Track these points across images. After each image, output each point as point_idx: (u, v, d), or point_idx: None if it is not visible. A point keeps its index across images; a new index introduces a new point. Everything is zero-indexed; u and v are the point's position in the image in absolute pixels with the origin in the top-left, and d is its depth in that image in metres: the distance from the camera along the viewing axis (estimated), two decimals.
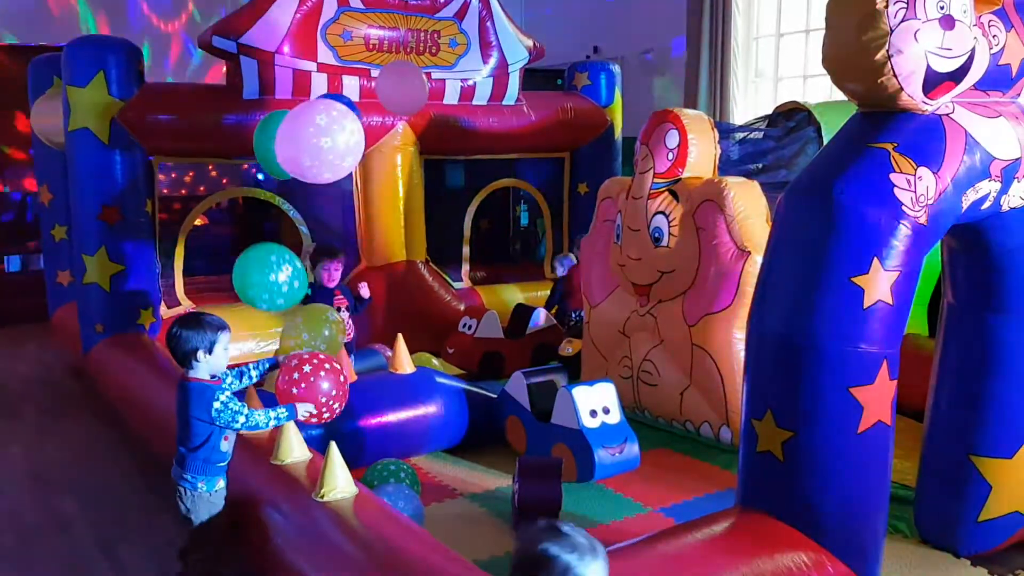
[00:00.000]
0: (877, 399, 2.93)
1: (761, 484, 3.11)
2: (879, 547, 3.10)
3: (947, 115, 2.99)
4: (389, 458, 4.19)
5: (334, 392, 3.45)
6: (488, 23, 6.94)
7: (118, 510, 4.31)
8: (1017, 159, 3.08)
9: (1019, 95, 3.21)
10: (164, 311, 6.40)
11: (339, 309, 5.17)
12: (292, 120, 4.62)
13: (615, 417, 4.45)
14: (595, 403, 4.43)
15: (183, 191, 10.02)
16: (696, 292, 4.91)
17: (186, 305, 6.55)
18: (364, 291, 5.47)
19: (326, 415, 3.46)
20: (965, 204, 3.02)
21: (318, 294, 5.19)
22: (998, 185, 3.07)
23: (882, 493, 3.05)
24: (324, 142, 4.52)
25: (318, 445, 3.78)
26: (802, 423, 2.93)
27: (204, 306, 6.29)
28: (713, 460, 4.66)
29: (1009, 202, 3.15)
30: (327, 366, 3.45)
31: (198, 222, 7.43)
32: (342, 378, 3.51)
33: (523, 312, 6.71)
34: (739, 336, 4.61)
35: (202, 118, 6.18)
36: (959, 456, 3.55)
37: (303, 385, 3.38)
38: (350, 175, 6.87)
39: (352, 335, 5.37)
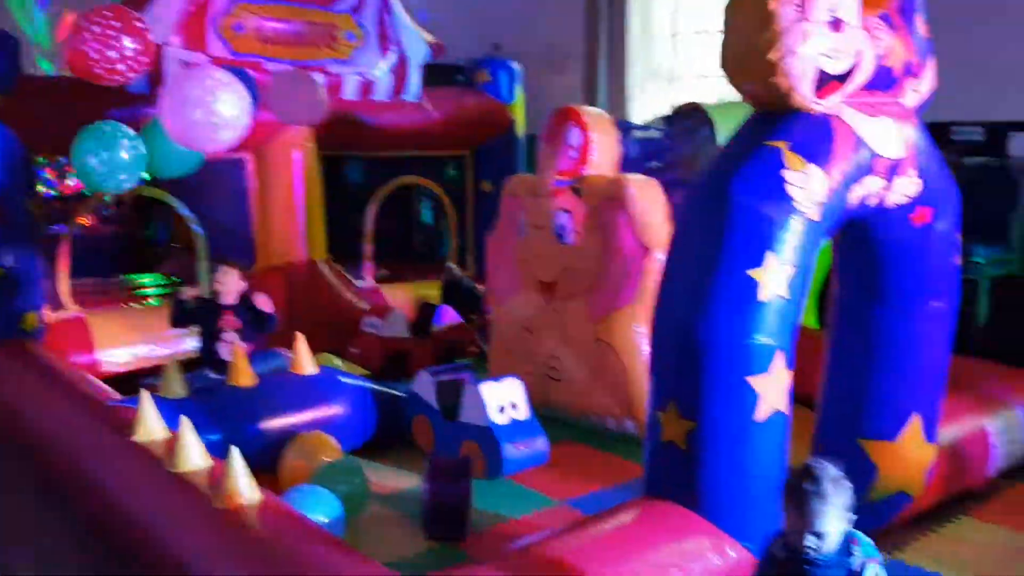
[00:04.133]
0: (774, 388, 3.04)
1: (665, 474, 3.19)
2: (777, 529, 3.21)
3: (836, 115, 3.12)
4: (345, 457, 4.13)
5: None
6: (386, 16, 6.88)
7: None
8: (900, 157, 3.24)
9: (901, 95, 3.38)
10: (49, 316, 6.10)
11: (222, 330, 4.89)
12: (180, 81, 4.52)
13: (523, 413, 4.48)
14: (503, 399, 4.45)
15: (66, 190, 9.56)
16: (600, 289, 4.99)
17: (72, 310, 6.26)
18: (264, 304, 5.05)
19: None
20: (853, 200, 3.16)
21: (201, 310, 4.95)
22: (883, 182, 3.22)
23: (779, 478, 3.15)
24: (213, 99, 4.40)
25: (218, 451, 3.67)
26: (703, 413, 3.02)
27: (90, 310, 6.05)
28: (619, 452, 4.74)
29: (893, 198, 3.32)
30: None
31: (84, 222, 7.11)
32: None
33: (429, 310, 6.68)
34: (642, 331, 4.70)
35: (85, 113, 5.91)
36: (848, 440, 3.72)
37: None
38: (245, 172, 6.71)
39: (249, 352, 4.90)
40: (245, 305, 5.05)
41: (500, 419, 4.37)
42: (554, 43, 9.88)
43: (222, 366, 4.80)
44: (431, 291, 7.24)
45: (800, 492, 2.31)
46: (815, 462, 2.38)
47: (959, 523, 4.03)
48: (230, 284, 4.98)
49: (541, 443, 4.43)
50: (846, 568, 2.32)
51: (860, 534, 2.40)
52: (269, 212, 6.83)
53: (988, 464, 4.19)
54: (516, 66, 7.99)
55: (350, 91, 6.87)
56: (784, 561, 2.39)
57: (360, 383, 4.90)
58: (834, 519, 2.31)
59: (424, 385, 4.76)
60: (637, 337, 4.76)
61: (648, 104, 8.77)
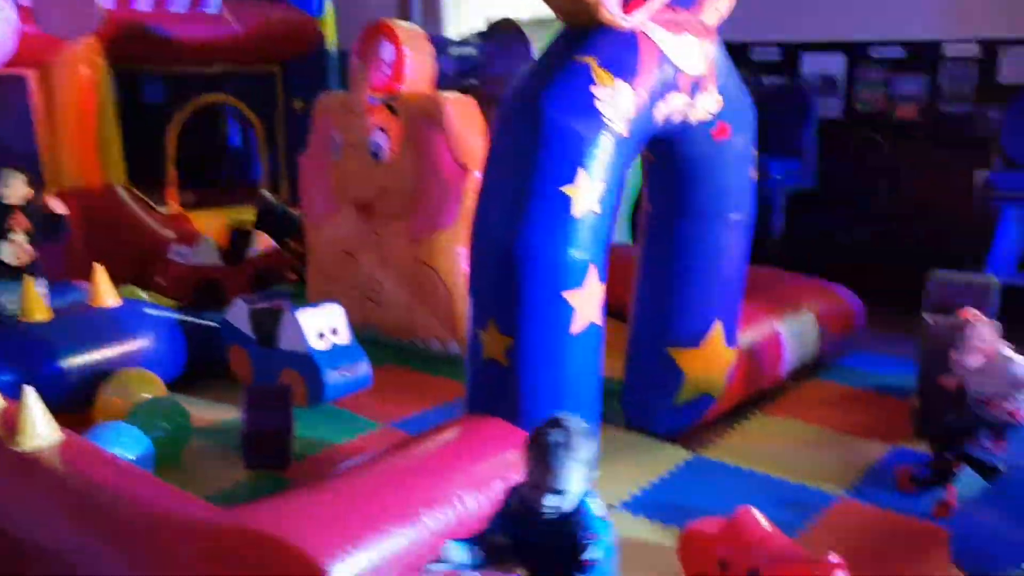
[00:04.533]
0: (588, 302, 3.13)
1: (487, 390, 3.24)
2: (594, 435, 3.35)
3: (641, 31, 3.18)
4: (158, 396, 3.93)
5: None
6: None
7: None
8: (702, 74, 3.36)
9: (702, 12, 3.47)
10: None
11: (12, 230, 4.52)
12: None
13: (344, 338, 4.42)
14: (322, 325, 4.36)
15: None
16: (419, 210, 4.95)
17: None
18: (56, 206, 4.71)
19: None
20: (659, 117, 3.26)
21: None
22: (687, 98, 3.33)
23: (595, 387, 3.30)
24: None
25: (13, 393, 3.41)
26: (521, 328, 3.08)
27: None
28: (444, 373, 4.78)
29: (696, 115, 3.44)
30: None
31: None
32: None
33: (241, 237, 6.42)
34: (463, 252, 4.72)
35: None
36: (657, 349, 3.92)
37: None
38: (26, 90, 6.11)
39: (35, 259, 4.62)
40: (34, 206, 4.66)
41: (320, 345, 4.29)
42: None
43: (6, 270, 4.49)
44: (243, 216, 6.95)
45: (546, 444, 2.16)
46: (563, 415, 2.24)
47: (755, 419, 4.36)
48: (16, 188, 4.56)
49: (363, 367, 4.39)
50: (576, 529, 2.18)
51: (593, 499, 2.25)
52: (57, 133, 6.26)
53: (781, 365, 4.54)
54: None
55: (143, 1, 6.36)
56: (519, 517, 2.26)
57: (167, 314, 4.67)
58: (577, 476, 2.17)
59: (238, 314, 4.59)
60: (459, 258, 4.78)
61: (463, 20, 8.63)
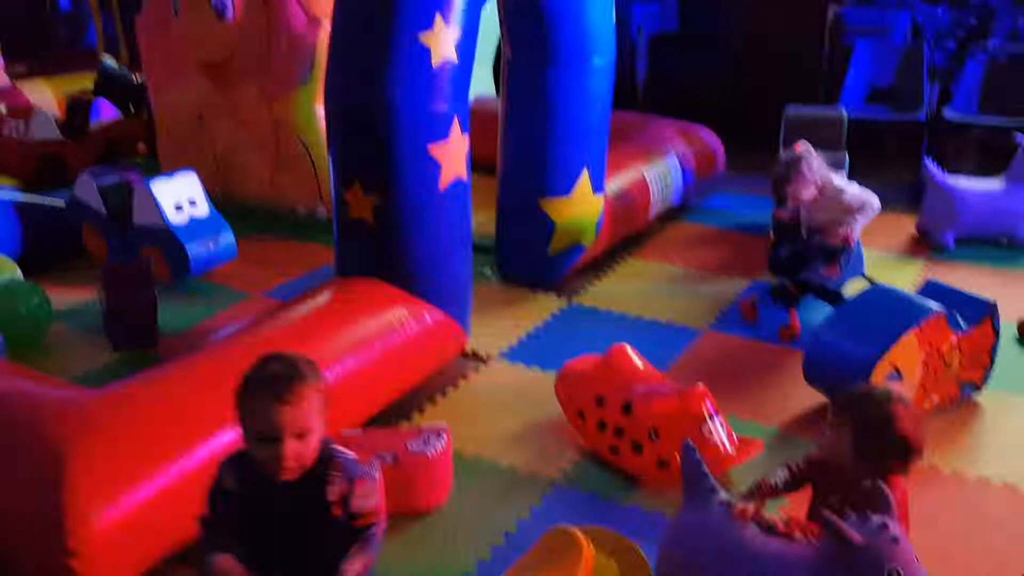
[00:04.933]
0: (453, 155, 3.09)
1: (356, 251, 3.20)
2: (468, 291, 3.39)
3: None
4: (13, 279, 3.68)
5: None
6: None
7: None
8: None
9: None
10: None
11: None
12: None
13: (203, 209, 4.24)
14: (179, 196, 4.17)
15: None
16: (271, 68, 4.70)
17: None
18: None
19: None
20: None
21: None
22: None
23: (465, 243, 3.30)
24: None
25: None
26: (388, 187, 3.02)
27: None
28: (313, 239, 4.67)
29: None
30: None
31: None
32: None
33: (80, 107, 5.98)
34: (323, 110, 4.53)
35: None
36: (528, 201, 3.94)
37: None
38: None
39: None
40: None
41: (178, 218, 4.11)
42: None
43: None
44: (81, 85, 6.47)
45: (272, 384, 1.65)
46: (298, 356, 1.75)
47: (625, 264, 4.49)
48: None
49: (227, 238, 4.24)
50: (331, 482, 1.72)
51: (342, 450, 1.79)
52: None
53: (648, 209, 4.65)
54: None
55: None
56: (242, 494, 1.73)
57: (3, 195, 4.35)
58: (318, 422, 1.69)
59: (86, 190, 4.33)
60: (318, 117, 4.60)
61: None
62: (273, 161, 4.86)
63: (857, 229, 3.62)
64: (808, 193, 3.61)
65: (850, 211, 3.60)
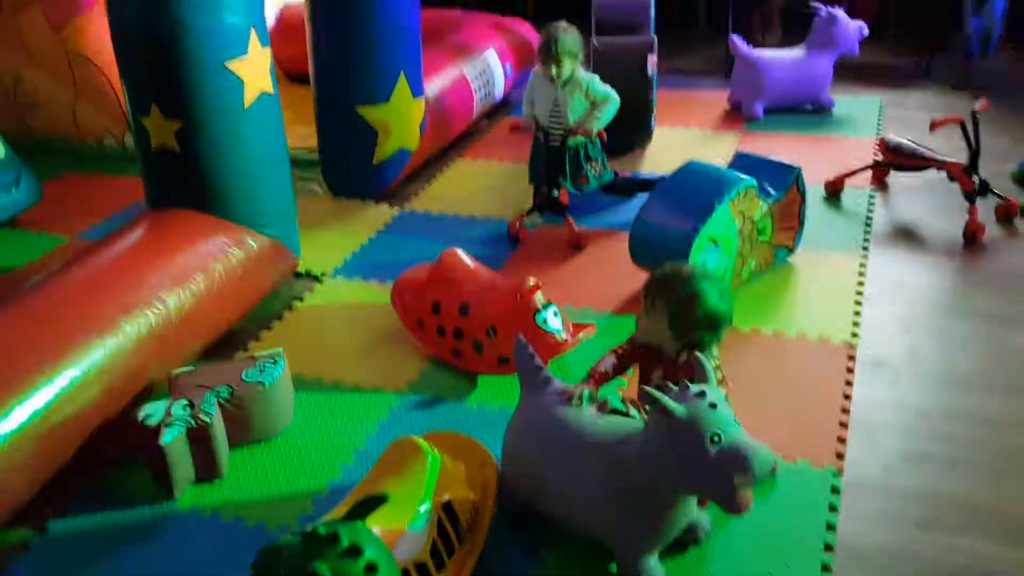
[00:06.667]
0: (255, 70, 2.94)
1: (165, 180, 3.04)
2: (292, 209, 3.30)
3: None
4: None
5: None
6: None
7: None
8: None
9: None
10: None
11: None
12: None
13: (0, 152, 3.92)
14: None
15: None
16: None
17: None
18: None
19: None
20: None
21: None
22: None
23: (280, 159, 3.18)
24: None
25: None
26: (189, 109, 2.86)
27: None
28: (127, 172, 4.40)
29: None
30: None
31: None
32: None
33: None
34: None
35: None
36: (346, 110, 3.84)
37: None
38: None
39: None
40: None
41: None
42: None
43: None
44: None
45: None
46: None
47: (454, 166, 4.48)
48: None
49: (29, 179, 3.95)
50: None
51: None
52: None
53: (472, 107, 4.62)
54: None
55: None
56: None
57: None
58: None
59: None
60: None
61: None
62: (72, 93, 4.52)
63: (603, 123, 3.62)
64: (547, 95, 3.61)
65: (594, 105, 3.62)
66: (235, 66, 2.87)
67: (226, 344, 2.94)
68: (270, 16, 3.58)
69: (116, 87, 4.38)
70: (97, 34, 4.30)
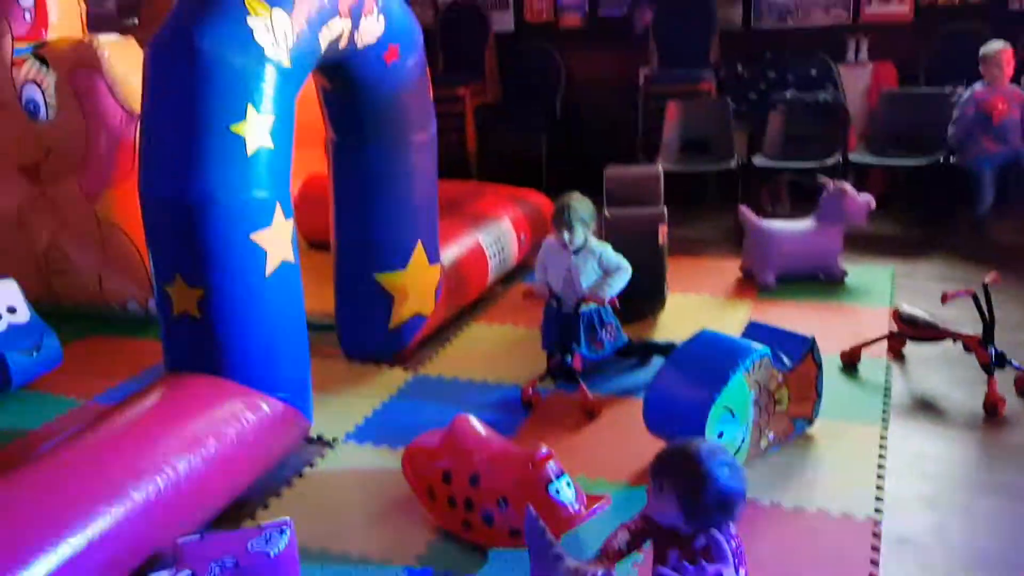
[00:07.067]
0: (278, 240, 3.04)
1: (184, 346, 3.09)
2: (307, 373, 3.32)
3: None
4: None
5: None
6: None
7: None
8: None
9: None
10: None
11: None
12: None
13: (24, 315, 4.02)
14: None
15: None
16: (90, 164, 4.55)
17: None
18: None
19: None
20: (324, 44, 3.18)
21: None
22: (349, 23, 3.28)
23: (298, 326, 3.23)
24: None
25: None
26: (211, 279, 2.94)
27: None
28: (148, 336, 4.48)
29: (363, 39, 3.40)
30: None
31: None
32: None
33: None
34: None
35: None
36: (364, 276, 3.93)
37: None
38: None
39: None
40: None
41: None
42: None
43: None
44: None
45: None
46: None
47: (468, 330, 4.52)
48: None
49: (51, 344, 4.03)
50: None
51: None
52: None
53: (486, 273, 4.72)
54: None
55: None
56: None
57: None
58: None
59: None
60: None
61: None
62: (100, 259, 4.67)
63: (615, 291, 3.68)
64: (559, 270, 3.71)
65: (607, 273, 3.71)
66: (259, 237, 2.97)
67: (235, 511, 2.89)
68: (295, 187, 3.74)
69: (143, 254, 4.52)
70: (126, 204, 4.49)
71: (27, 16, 4.57)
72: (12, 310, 3.99)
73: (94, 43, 4.46)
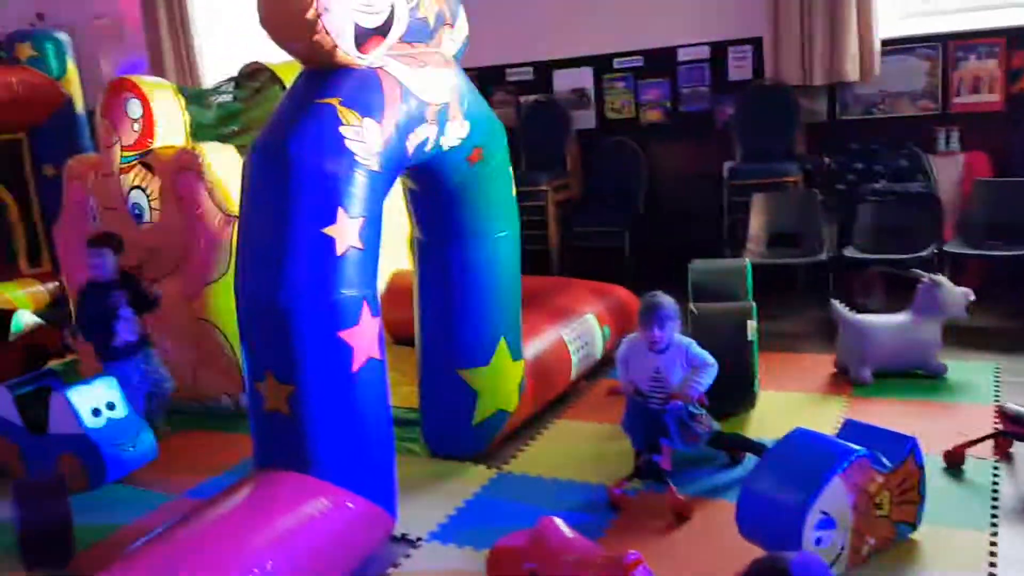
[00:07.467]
0: (365, 337, 3.10)
1: (273, 442, 3.14)
2: (392, 471, 3.33)
3: (381, 68, 3.21)
4: None
5: None
6: None
7: None
8: (446, 103, 3.43)
9: (440, 45, 3.56)
10: None
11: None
12: None
13: (122, 411, 4.17)
14: (97, 401, 4.10)
15: None
16: (189, 265, 4.76)
17: None
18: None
19: None
20: (411, 148, 3.29)
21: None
22: (435, 128, 3.39)
23: (384, 422, 3.26)
24: None
25: None
26: (300, 376, 3.00)
27: None
28: (240, 430, 4.55)
29: (448, 142, 3.51)
30: None
31: None
32: None
33: (3, 316, 5.91)
34: None
35: None
36: (447, 372, 3.96)
37: None
38: None
39: None
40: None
41: (95, 423, 4.02)
42: (104, 12, 9.14)
43: None
44: (11, 294, 6.43)
45: None
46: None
47: (553, 427, 4.47)
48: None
49: (146, 439, 4.15)
50: None
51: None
52: None
53: (570, 369, 4.69)
54: (64, 37, 7.24)
55: None
56: None
57: None
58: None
59: (2, 402, 4.23)
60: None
61: (219, 66, 8.42)
62: (195, 355, 4.83)
63: (703, 387, 3.63)
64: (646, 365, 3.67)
65: (694, 370, 3.64)
66: (347, 335, 3.04)
67: None
68: (381, 284, 3.83)
69: (237, 351, 4.65)
70: (222, 302, 4.66)
71: (135, 127, 4.87)
72: (111, 406, 4.13)
73: (195, 151, 4.73)
